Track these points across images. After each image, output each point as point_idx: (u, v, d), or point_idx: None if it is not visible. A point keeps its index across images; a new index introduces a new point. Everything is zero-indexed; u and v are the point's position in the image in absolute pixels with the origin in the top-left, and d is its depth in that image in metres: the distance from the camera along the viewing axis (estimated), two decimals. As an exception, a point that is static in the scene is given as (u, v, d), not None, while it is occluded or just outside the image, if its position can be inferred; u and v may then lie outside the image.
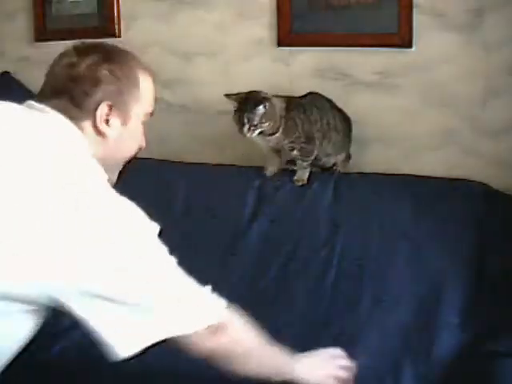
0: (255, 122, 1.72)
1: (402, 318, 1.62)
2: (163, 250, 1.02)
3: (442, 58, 1.86)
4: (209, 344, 1.06)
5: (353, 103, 1.97)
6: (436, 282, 1.64)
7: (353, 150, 1.90)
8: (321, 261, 1.73)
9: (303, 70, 2.02)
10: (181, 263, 1.84)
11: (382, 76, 1.93)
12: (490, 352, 1.48)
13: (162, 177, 1.96)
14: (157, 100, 2.19)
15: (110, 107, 1.05)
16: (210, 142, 2.09)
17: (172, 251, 1.87)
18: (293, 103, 1.82)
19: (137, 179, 1.98)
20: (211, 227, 1.85)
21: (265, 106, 1.73)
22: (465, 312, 1.59)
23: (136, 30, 2.23)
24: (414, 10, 1.85)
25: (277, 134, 1.79)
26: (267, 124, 1.74)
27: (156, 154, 2.15)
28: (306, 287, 1.72)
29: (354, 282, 1.69)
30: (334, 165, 1.89)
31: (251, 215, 1.83)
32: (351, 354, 1.61)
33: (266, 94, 1.79)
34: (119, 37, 2.24)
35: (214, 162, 2.01)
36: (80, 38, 2.25)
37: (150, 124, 2.24)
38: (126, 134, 1.09)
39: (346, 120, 1.88)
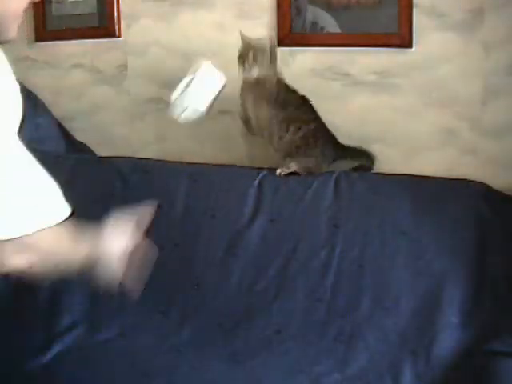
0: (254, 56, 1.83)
1: (402, 317, 1.62)
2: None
3: (441, 58, 1.86)
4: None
5: (353, 103, 1.97)
6: (436, 282, 1.64)
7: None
8: (321, 261, 1.73)
9: (303, 69, 2.02)
10: (181, 263, 1.86)
11: (381, 76, 1.93)
12: (489, 352, 1.48)
13: (162, 177, 1.96)
14: (157, 100, 2.21)
15: None
16: (210, 142, 2.09)
17: (171, 252, 1.89)
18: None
19: (137, 179, 1.98)
20: (211, 227, 1.85)
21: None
22: (465, 312, 1.59)
23: (136, 29, 2.23)
24: (414, 10, 1.85)
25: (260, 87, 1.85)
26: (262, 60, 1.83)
27: (156, 154, 2.15)
28: (306, 287, 1.72)
29: (354, 281, 1.69)
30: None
31: (251, 215, 1.83)
32: (351, 354, 1.62)
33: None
34: (119, 37, 2.24)
35: (214, 162, 2.01)
36: (80, 38, 2.30)
37: (151, 124, 2.25)
38: None
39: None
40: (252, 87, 1.86)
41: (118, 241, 1.17)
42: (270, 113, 1.85)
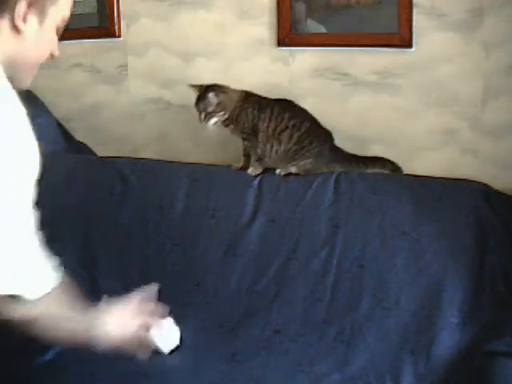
0: (209, 110, 1.85)
1: (402, 317, 1.62)
2: (29, 200, 0.99)
3: (441, 58, 1.86)
4: (35, 311, 1.07)
5: (353, 103, 1.97)
6: (436, 282, 1.64)
7: (353, 150, 1.90)
8: (321, 261, 1.73)
9: (303, 70, 2.02)
10: (181, 263, 1.86)
11: (381, 76, 1.93)
12: (490, 352, 1.48)
13: (162, 177, 1.96)
14: (157, 100, 2.22)
15: (29, 5, 1.03)
16: (210, 142, 2.09)
17: (171, 252, 1.89)
18: (251, 98, 1.89)
19: (137, 179, 1.98)
20: (211, 227, 1.85)
21: (216, 95, 1.85)
22: (465, 312, 1.59)
23: (136, 29, 2.23)
24: (414, 10, 1.85)
25: (231, 126, 1.90)
26: (221, 113, 1.86)
27: (156, 154, 2.15)
28: (306, 287, 1.72)
29: (354, 282, 1.69)
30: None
31: (251, 215, 1.83)
32: (351, 354, 1.62)
33: (227, 87, 1.90)
34: (119, 37, 2.24)
35: (214, 162, 2.01)
36: (80, 38, 2.30)
37: (150, 124, 2.25)
38: (40, 34, 1.07)
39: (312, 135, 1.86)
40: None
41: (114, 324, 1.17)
42: (251, 138, 1.89)
